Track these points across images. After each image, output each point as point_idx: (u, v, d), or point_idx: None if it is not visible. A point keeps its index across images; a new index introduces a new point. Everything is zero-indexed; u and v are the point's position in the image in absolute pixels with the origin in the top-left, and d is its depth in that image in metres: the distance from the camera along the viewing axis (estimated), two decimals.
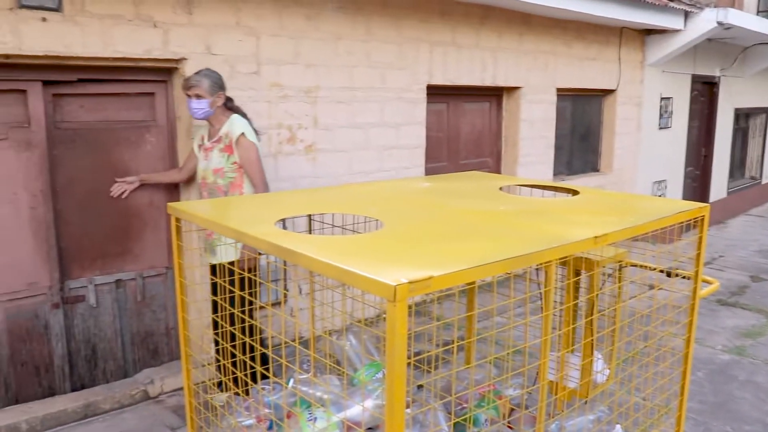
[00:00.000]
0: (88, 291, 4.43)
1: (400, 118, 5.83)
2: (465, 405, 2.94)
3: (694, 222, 2.75)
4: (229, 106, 4.20)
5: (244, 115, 4.21)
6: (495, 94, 7.13)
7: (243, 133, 4.03)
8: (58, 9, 3.82)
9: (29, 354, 4.23)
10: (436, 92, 6.25)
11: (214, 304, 3.20)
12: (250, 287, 2.97)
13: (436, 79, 6.10)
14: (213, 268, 3.91)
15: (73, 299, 4.39)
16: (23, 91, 3.99)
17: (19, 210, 4.08)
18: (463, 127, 6.88)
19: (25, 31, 3.74)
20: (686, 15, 8.28)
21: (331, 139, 5.30)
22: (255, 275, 3.16)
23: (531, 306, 3.26)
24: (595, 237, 2.12)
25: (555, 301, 2.73)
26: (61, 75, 4.08)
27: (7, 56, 3.76)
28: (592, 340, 2.96)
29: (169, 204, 2.64)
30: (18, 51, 3.73)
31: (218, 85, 4.07)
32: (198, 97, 4.00)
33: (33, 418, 3.93)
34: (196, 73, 4.06)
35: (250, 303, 2.97)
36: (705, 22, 8.20)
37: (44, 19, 3.79)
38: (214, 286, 3.40)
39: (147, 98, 4.52)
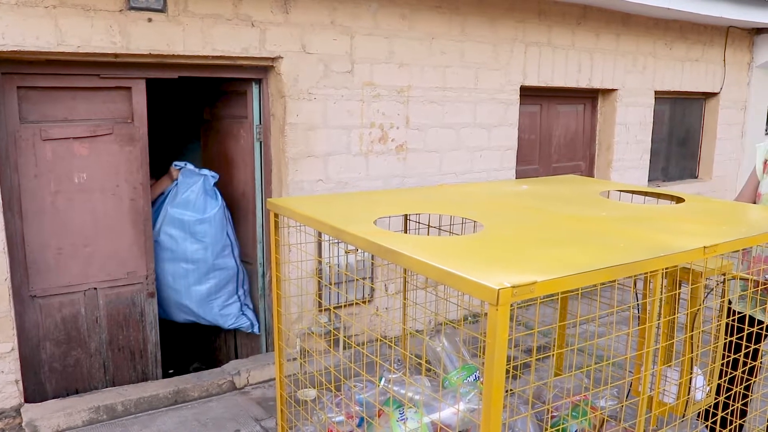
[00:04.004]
0: None
1: (492, 119, 5.73)
2: (556, 414, 2.84)
3: None
4: None
5: None
6: (590, 97, 6.92)
7: None
8: (162, 10, 3.95)
9: (126, 339, 4.39)
10: (529, 93, 6.12)
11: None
12: None
13: (530, 80, 5.97)
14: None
15: None
16: (128, 88, 4.14)
17: (121, 202, 4.24)
18: (556, 130, 6.72)
19: (133, 32, 3.89)
20: None
21: (422, 139, 5.27)
22: None
23: (625, 316, 3.13)
24: (705, 247, 2.01)
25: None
26: (163, 73, 4.22)
27: (116, 55, 3.92)
28: (693, 355, 2.80)
29: (269, 200, 2.67)
30: (126, 50, 3.89)
31: None
32: None
33: (128, 401, 4.09)
34: None
35: None
36: None
37: (150, 20, 3.92)
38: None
39: (241, 96, 4.61)
